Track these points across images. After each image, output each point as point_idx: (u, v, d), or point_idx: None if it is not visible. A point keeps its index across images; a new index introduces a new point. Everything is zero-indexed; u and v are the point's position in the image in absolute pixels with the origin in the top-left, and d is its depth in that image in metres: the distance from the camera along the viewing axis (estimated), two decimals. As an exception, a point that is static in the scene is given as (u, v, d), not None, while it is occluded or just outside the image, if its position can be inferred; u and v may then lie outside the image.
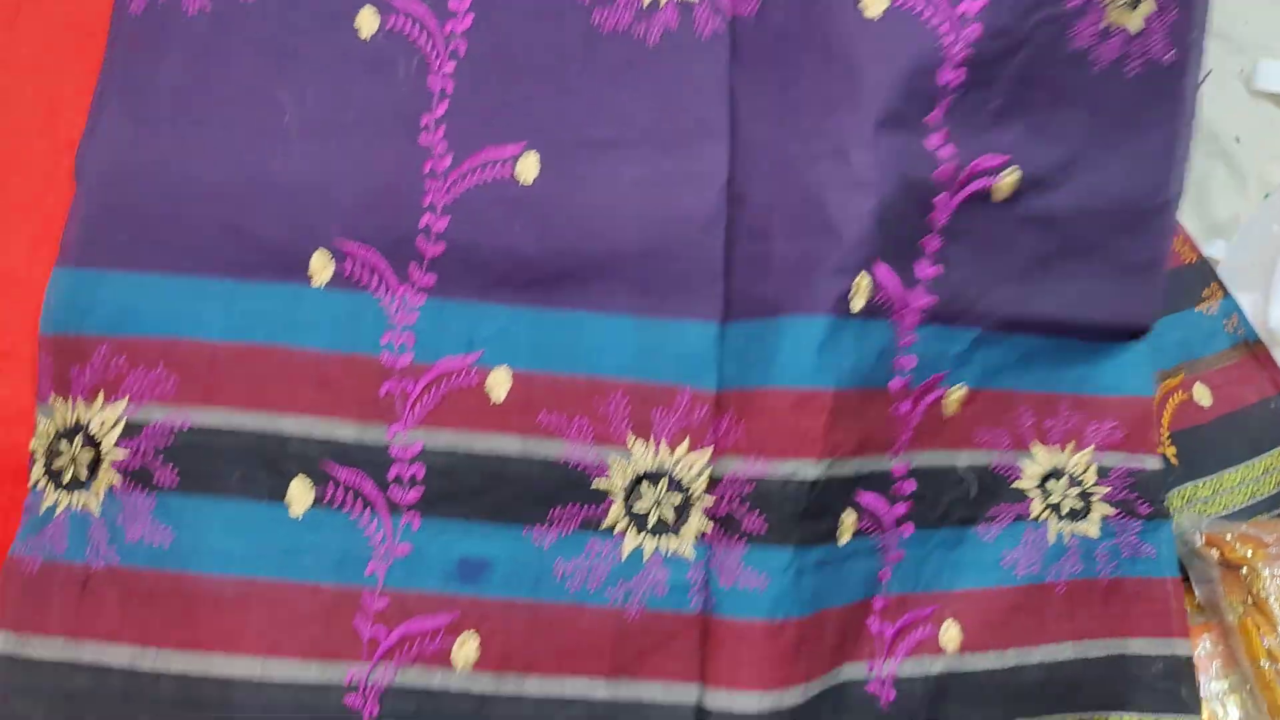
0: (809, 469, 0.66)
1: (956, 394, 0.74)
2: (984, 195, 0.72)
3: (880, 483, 0.71)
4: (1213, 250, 0.94)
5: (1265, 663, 0.76)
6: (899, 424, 0.71)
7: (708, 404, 0.68)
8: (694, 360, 0.68)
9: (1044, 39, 0.70)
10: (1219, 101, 0.99)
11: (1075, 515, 0.76)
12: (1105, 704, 0.75)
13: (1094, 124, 0.74)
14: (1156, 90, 0.75)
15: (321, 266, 0.67)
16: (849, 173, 0.67)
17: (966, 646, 0.73)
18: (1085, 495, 0.77)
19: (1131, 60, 0.74)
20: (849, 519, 0.69)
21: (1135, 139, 0.75)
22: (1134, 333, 0.78)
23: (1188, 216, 0.95)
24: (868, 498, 0.70)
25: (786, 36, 0.71)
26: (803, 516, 0.66)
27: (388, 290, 0.67)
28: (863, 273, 0.67)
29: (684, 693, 0.65)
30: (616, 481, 0.68)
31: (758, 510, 0.67)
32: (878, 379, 0.70)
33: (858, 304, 0.67)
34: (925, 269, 0.71)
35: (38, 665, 0.62)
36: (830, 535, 0.68)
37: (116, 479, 0.64)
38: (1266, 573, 0.78)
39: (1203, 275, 0.92)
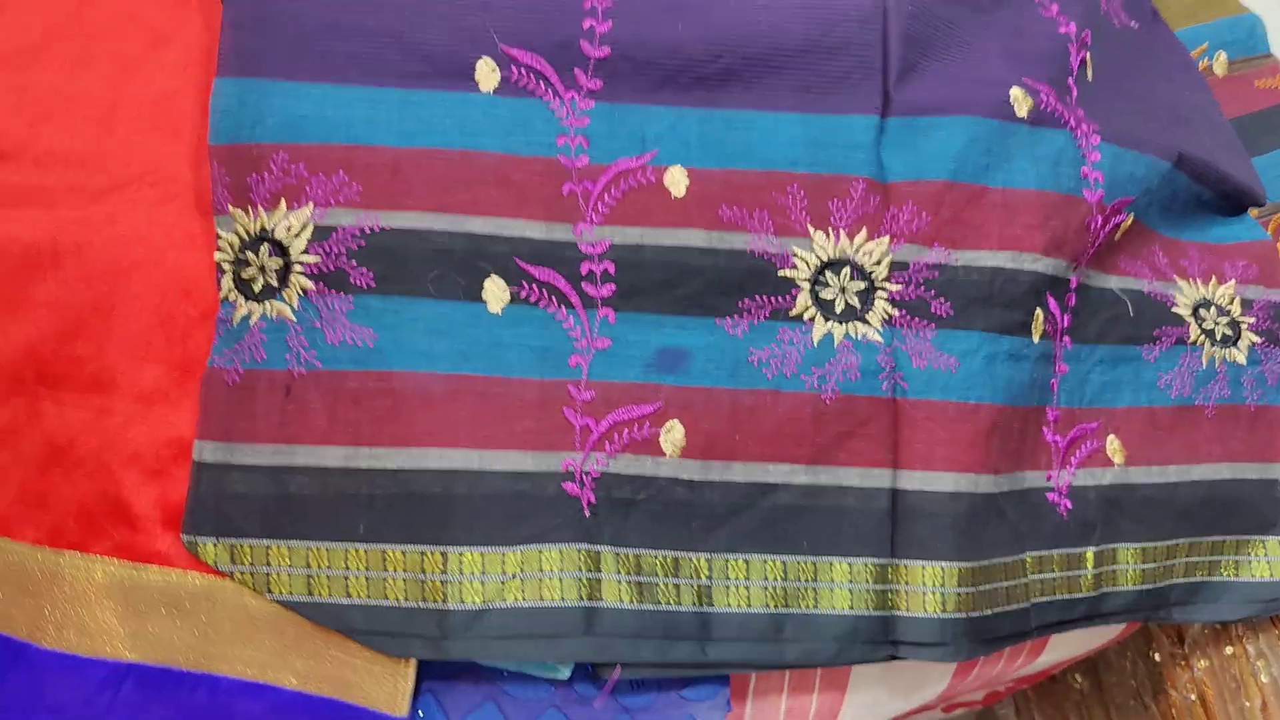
0: (990, 258, 0.66)
1: (1128, 222, 0.73)
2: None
3: (1061, 289, 0.70)
4: (1312, 86, 0.92)
5: None
6: (1091, 237, 0.70)
7: (879, 194, 0.67)
8: (861, 152, 0.67)
9: None
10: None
11: (1227, 341, 0.77)
12: (1259, 527, 0.75)
13: None
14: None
15: (488, 74, 0.64)
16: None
17: (1131, 460, 0.72)
18: (1235, 324, 0.77)
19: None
20: (1039, 316, 0.68)
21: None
22: (1247, 202, 0.83)
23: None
24: (1052, 302, 0.69)
25: None
26: (989, 303, 0.66)
27: (555, 95, 0.65)
28: (1015, 86, 0.69)
29: (879, 477, 0.65)
30: (801, 270, 0.66)
31: (943, 296, 0.66)
32: (1068, 184, 0.69)
33: (1021, 110, 0.69)
34: (1076, 105, 0.72)
35: (250, 472, 0.60)
36: (1024, 329, 0.67)
37: (309, 284, 0.62)
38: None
39: (1301, 110, 0.91)
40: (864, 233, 0.66)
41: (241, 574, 0.60)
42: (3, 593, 0.63)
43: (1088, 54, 0.76)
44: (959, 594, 0.63)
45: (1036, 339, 0.68)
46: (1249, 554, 0.74)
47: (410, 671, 0.61)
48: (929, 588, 0.63)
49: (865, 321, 0.65)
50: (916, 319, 0.66)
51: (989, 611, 0.64)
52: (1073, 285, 0.71)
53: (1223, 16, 0.94)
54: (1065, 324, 0.71)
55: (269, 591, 0.60)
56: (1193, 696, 0.85)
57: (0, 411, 0.63)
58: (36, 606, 0.62)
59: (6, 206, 0.65)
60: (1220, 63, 0.92)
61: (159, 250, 0.64)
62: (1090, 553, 0.69)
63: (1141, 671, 0.93)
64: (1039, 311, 0.68)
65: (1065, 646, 0.77)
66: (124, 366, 0.63)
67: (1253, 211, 0.84)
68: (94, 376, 0.63)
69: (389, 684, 0.61)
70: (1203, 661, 0.84)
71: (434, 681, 0.63)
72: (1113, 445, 0.72)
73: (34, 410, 0.63)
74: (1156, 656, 0.89)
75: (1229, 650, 0.82)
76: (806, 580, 0.63)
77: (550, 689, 0.63)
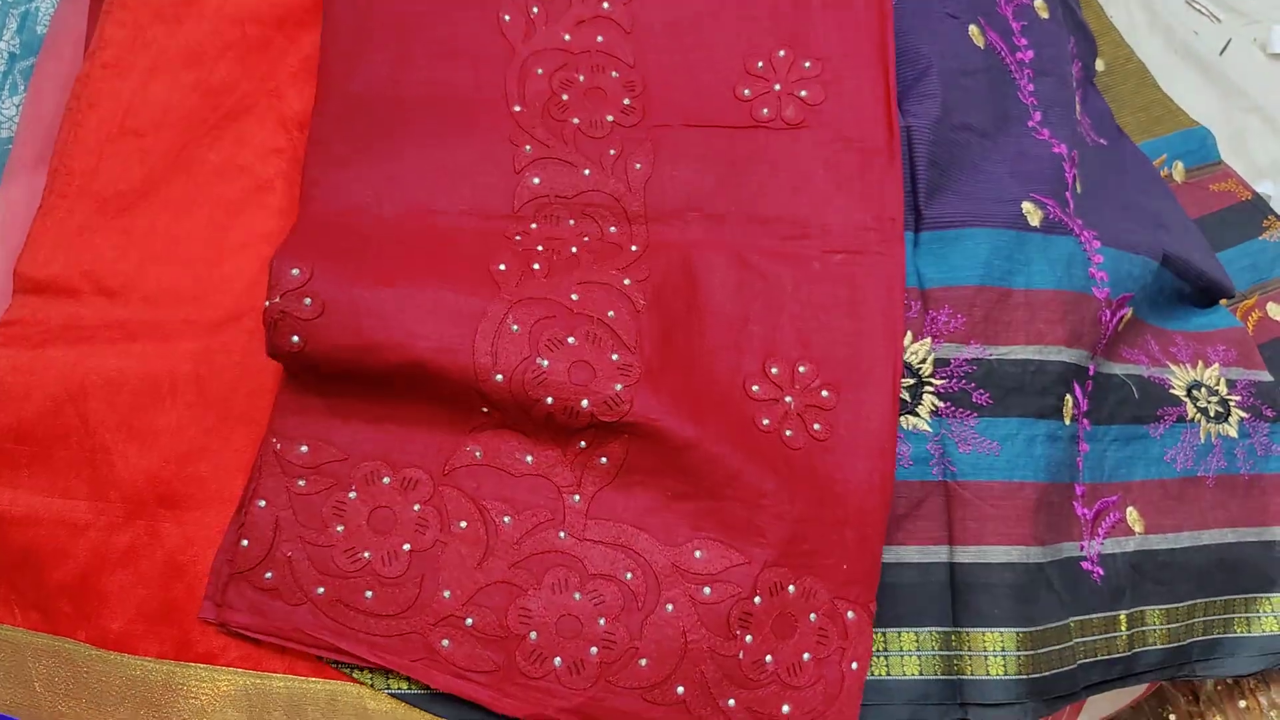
0: (1021, 352, 0.74)
1: (1129, 315, 0.82)
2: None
3: (1082, 377, 0.78)
4: (1262, 188, 1.04)
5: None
6: (1102, 329, 0.78)
7: (919, 300, 0.75)
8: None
9: None
10: (1242, 66, 1.12)
11: (1219, 418, 0.85)
12: (1264, 585, 0.82)
13: None
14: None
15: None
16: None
17: (1149, 529, 0.79)
18: (1224, 401, 0.86)
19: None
20: (1069, 401, 0.75)
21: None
22: (1219, 293, 0.92)
23: (1234, 162, 1.05)
24: (1076, 388, 0.76)
25: None
26: (1023, 391, 0.73)
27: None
28: (1026, 201, 0.78)
29: (936, 553, 0.71)
30: (862, 372, 0.73)
31: (982, 387, 0.73)
32: (1079, 284, 0.77)
33: (1034, 220, 0.78)
34: (1074, 206, 0.81)
35: None
36: (1057, 412, 0.75)
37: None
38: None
39: (1260, 209, 1.02)
40: (909, 335, 0.73)
41: (361, 675, 0.65)
42: (126, 710, 0.66)
43: (1076, 170, 0.86)
44: (1019, 657, 0.69)
45: (1068, 421, 0.76)
46: (1258, 611, 0.81)
47: None
48: (992, 652, 0.69)
49: (915, 414, 0.73)
50: (960, 409, 0.73)
51: (1047, 673, 0.70)
52: (1090, 373, 0.79)
53: (1176, 130, 1.05)
54: (1085, 408, 0.79)
55: (387, 687, 0.64)
56: (1210, 752, 0.91)
57: (121, 535, 0.67)
58: None
59: (120, 341, 0.70)
60: (1179, 171, 1.03)
61: (271, 374, 0.69)
62: (1123, 615, 0.76)
63: (1158, 732, 0.99)
64: (1068, 397, 0.76)
65: (1096, 708, 0.83)
66: (242, 483, 0.67)
67: (1223, 302, 0.94)
68: (216, 494, 0.67)
69: None
70: (1218, 717, 0.90)
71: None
72: (1132, 515, 0.79)
73: (154, 531, 0.67)
74: (1172, 717, 0.95)
75: (1243, 704, 0.88)
76: (878, 650, 0.69)
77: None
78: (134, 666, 0.66)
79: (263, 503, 0.65)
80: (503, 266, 0.68)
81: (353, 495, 0.66)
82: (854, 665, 0.66)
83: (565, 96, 0.74)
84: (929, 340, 0.74)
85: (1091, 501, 0.78)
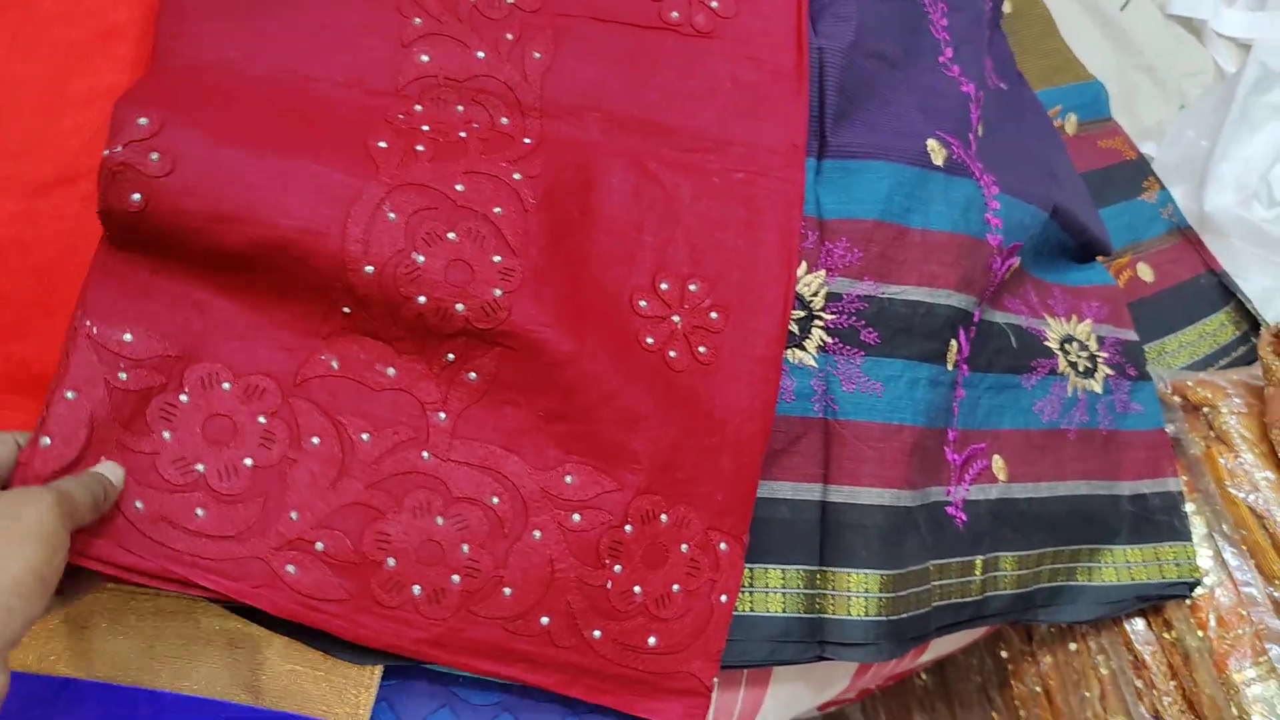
0: (913, 293, 0.72)
1: (1016, 264, 0.82)
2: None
3: (967, 323, 0.77)
4: (1146, 149, 1.05)
5: (1228, 483, 0.87)
6: (991, 276, 0.78)
7: (817, 230, 0.72)
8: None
9: None
10: (1140, 23, 1.12)
11: (1087, 373, 0.86)
12: (1108, 537, 0.85)
13: None
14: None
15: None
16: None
17: (1012, 478, 0.80)
18: (1093, 357, 0.87)
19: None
20: (953, 346, 0.74)
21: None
22: (1096, 250, 0.94)
23: (1122, 119, 1.07)
24: (961, 333, 0.76)
25: None
26: (911, 333, 0.72)
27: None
28: (931, 138, 0.76)
29: (810, 490, 0.70)
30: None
31: (872, 325, 0.72)
32: (975, 229, 0.76)
33: (937, 159, 0.76)
34: (976, 149, 0.80)
35: None
36: (941, 357, 0.74)
37: None
38: (1225, 410, 0.89)
39: (1142, 169, 1.04)
40: (804, 265, 0.71)
41: None
42: None
43: (980, 112, 0.85)
44: (880, 599, 0.69)
45: (950, 367, 0.75)
46: (1100, 561, 0.84)
47: (375, 681, 0.61)
48: (855, 593, 0.68)
49: (803, 348, 0.71)
50: (848, 346, 0.71)
51: (904, 615, 0.70)
52: (975, 319, 0.78)
53: (1073, 82, 1.06)
54: (966, 353, 0.78)
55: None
56: (1038, 688, 0.95)
57: None
58: None
59: (-76, 194, 0.61)
60: (1071, 123, 1.04)
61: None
62: (979, 560, 0.77)
63: (988, 667, 1.02)
64: (953, 342, 0.75)
65: (938, 646, 0.85)
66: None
67: (1100, 259, 0.95)
68: (37, 379, 0.60)
69: (351, 696, 0.61)
70: (1048, 657, 0.94)
71: (388, 686, 0.63)
72: (998, 464, 0.80)
73: None
74: (1004, 653, 0.99)
75: (1073, 646, 0.92)
76: (745, 585, 0.68)
77: (501, 693, 0.65)
78: None
79: (72, 394, 0.54)
80: (383, 144, 0.60)
81: (184, 399, 0.57)
82: (723, 598, 0.65)
83: None
84: (823, 273, 0.72)
85: (962, 447, 0.78)
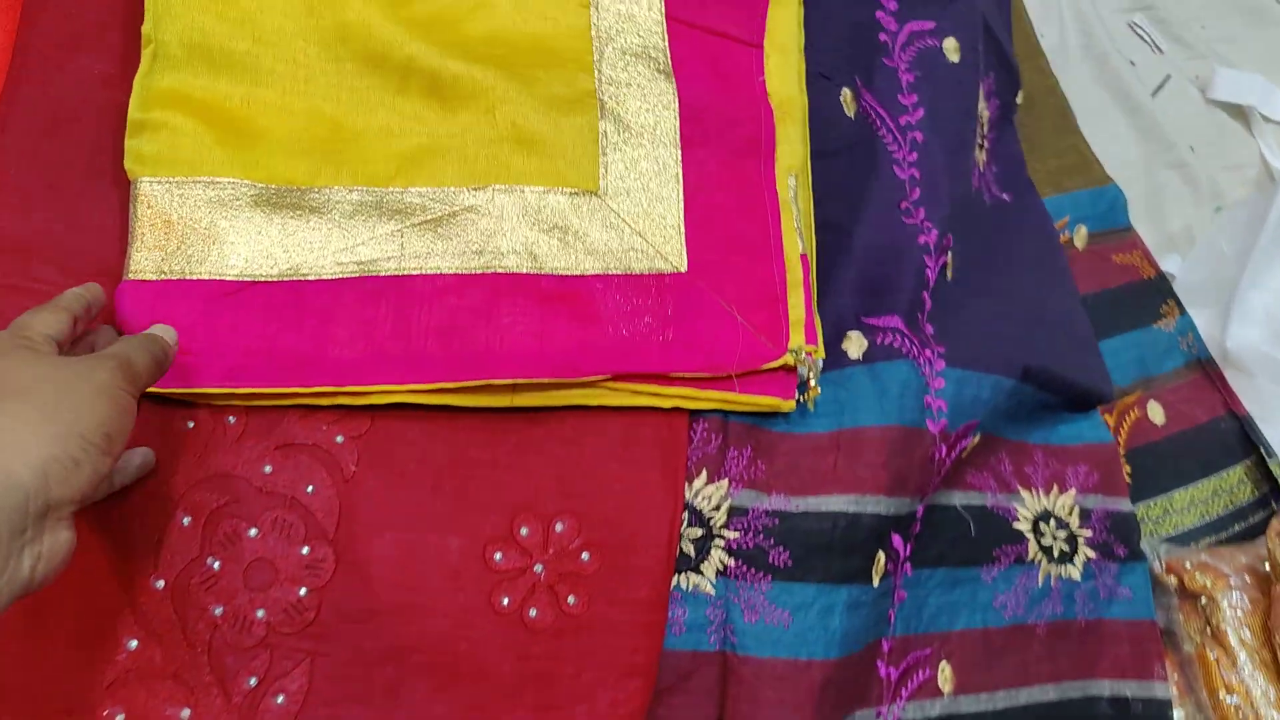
0: (832, 503, 0.63)
1: (975, 442, 0.71)
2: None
3: (906, 524, 0.67)
4: (1168, 265, 0.92)
5: (1224, 695, 0.76)
6: (935, 469, 0.68)
7: (720, 434, 0.63)
8: None
9: None
10: (1174, 110, 0.98)
11: (1064, 558, 0.75)
12: None
13: None
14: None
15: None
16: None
17: (959, 689, 0.70)
18: (1072, 538, 0.76)
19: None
20: (880, 559, 0.66)
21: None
22: (1093, 401, 0.81)
23: (1143, 228, 0.93)
24: (896, 538, 0.67)
25: None
26: (828, 551, 0.63)
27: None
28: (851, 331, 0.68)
29: None
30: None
31: (782, 545, 0.62)
32: (911, 417, 0.66)
33: (855, 353, 0.67)
34: (925, 322, 0.70)
35: None
36: (864, 574, 0.65)
37: None
38: (1225, 604, 0.78)
39: (1160, 290, 0.91)
40: (704, 475, 0.62)
41: None
42: None
43: (948, 256, 0.74)
44: None
45: (876, 583, 0.65)
46: None
47: None
48: None
49: (699, 572, 0.62)
50: (753, 569, 0.62)
51: None
52: (918, 515, 0.68)
53: (1085, 188, 0.92)
54: (908, 553, 0.69)
55: None
56: None
57: None
58: None
59: None
60: (1081, 236, 0.91)
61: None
62: (917, 790, 0.67)
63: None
64: (880, 555, 0.65)
65: None
66: None
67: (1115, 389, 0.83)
68: None
69: None
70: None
71: None
72: (944, 674, 0.70)
73: None
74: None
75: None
76: None
77: None
78: None
79: None
80: (191, 424, 0.53)
81: None
82: None
83: None
84: (726, 483, 0.62)
85: (899, 658, 0.68)
